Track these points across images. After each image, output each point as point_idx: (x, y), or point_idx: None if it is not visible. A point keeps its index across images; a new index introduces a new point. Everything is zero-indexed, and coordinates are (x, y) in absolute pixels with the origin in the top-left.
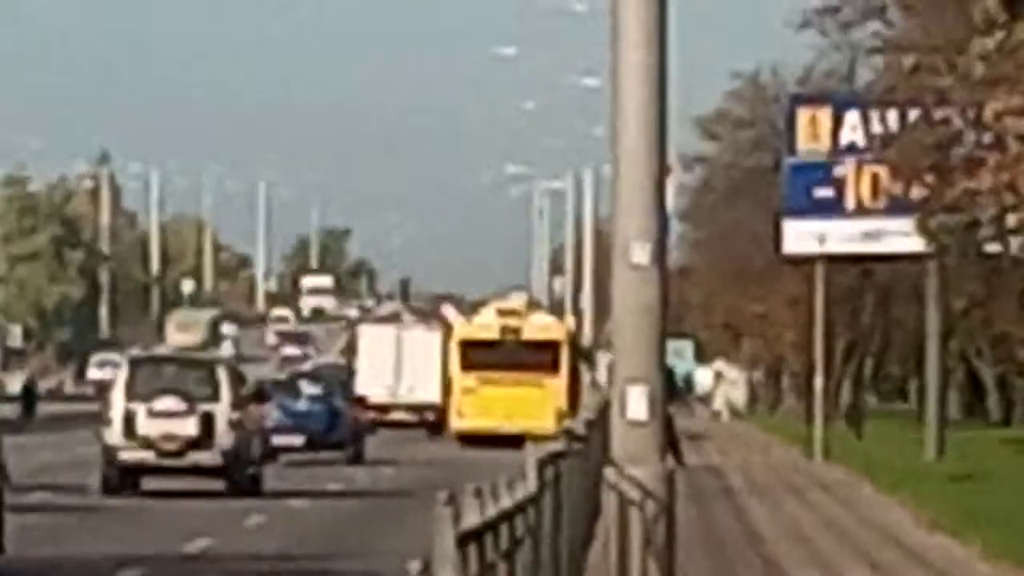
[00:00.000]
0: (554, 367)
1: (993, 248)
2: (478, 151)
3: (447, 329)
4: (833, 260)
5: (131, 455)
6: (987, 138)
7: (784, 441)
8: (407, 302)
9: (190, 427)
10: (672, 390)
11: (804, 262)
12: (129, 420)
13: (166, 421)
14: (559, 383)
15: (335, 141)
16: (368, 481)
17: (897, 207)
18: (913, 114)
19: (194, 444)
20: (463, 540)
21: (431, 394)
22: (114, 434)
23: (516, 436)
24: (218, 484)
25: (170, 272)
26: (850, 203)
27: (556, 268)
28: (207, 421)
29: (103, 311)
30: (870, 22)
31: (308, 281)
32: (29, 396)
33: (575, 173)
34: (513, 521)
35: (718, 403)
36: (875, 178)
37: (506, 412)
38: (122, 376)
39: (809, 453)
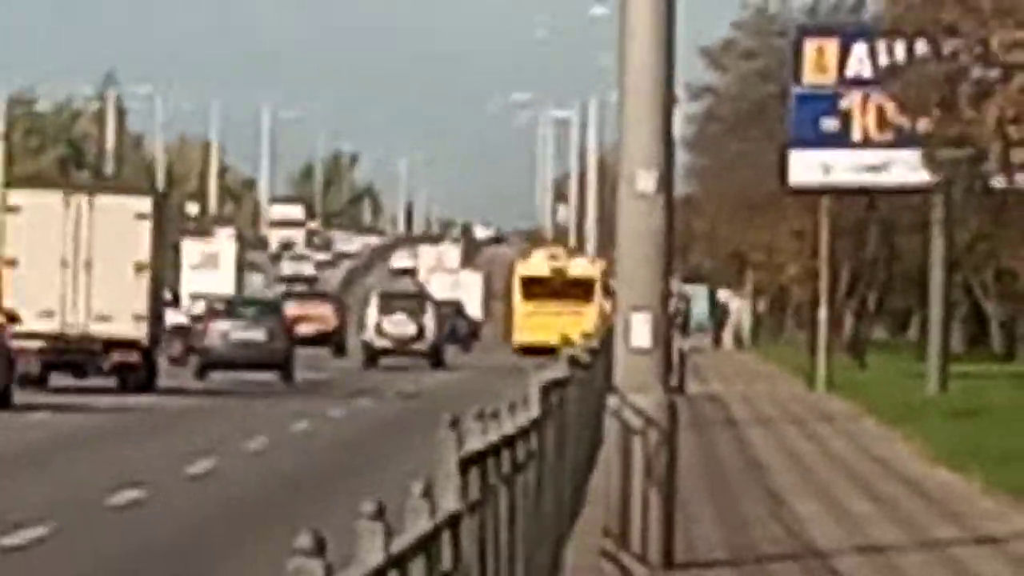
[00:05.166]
0: (588, 298)
1: (998, 182)
2: (485, 79)
3: (486, 271)
4: (838, 192)
5: (380, 344)
6: (994, 73)
7: (786, 372)
8: (410, 229)
9: (411, 329)
10: (687, 323)
11: (809, 193)
12: (378, 326)
13: (398, 326)
14: (592, 310)
15: (343, 68)
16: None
17: (903, 140)
18: (921, 47)
19: (413, 339)
20: (466, 464)
21: (478, 313)
22: (369, 333)
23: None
24: (425, 361)
25: (175, 194)
26: (856, 135)
27: (560, 196)
28: (420, 326)
29: None
30: None
31: (275, 210)
32: None
33: (581, 102)
34: (515, 445)
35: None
36: (881, 111)
37: (553, 330)
38: (375, 302)
39: (812, 384)
